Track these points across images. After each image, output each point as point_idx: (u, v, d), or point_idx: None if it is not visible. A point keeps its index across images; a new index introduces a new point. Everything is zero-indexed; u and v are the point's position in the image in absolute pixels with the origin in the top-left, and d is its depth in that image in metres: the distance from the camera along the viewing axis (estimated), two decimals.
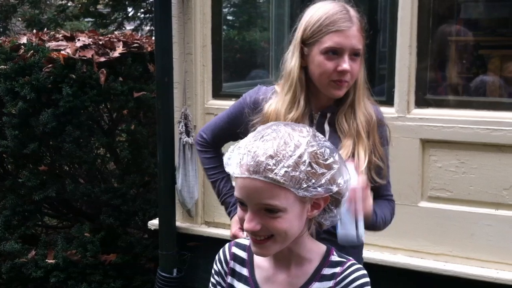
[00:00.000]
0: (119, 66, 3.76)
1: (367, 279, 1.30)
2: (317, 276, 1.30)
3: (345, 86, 1.69)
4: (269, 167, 1.17)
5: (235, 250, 1.39)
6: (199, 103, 3.38)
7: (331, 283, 1.28)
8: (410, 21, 2.81)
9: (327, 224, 1.33)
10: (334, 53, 1.65)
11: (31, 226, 3.90)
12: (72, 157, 3.71)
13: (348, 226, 1.56)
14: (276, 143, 1.19)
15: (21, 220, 3.88)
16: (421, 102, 2.88)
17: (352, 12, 1.69)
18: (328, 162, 1.22)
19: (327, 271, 1.30)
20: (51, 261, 3.63)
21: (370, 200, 1.64)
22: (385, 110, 2.90)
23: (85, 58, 3.58)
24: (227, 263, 1.39)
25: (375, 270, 2.87)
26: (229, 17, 4.68)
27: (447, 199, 2.83)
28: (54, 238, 3.95)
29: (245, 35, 4.56)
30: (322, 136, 1.28)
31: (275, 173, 1.17)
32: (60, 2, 8.47)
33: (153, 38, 3.68)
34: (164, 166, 3.38)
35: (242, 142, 1.25)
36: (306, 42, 1.70)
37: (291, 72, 1.74)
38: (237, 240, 1.42)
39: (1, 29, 8.85)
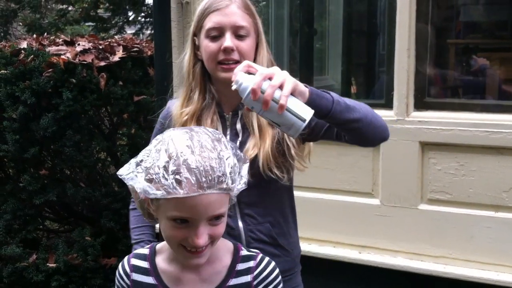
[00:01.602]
0: (119, 70, 3.77)
1: (278, 269, 1.36)
2: (232, 272, 1.31)
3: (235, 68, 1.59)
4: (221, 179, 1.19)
5: (135, 261, 1.36)
6: None
7: (248, 277, 1.31)
8: (408, 25, 2.81)
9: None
10: (217, 33, 1.61)
11: (32, 230, 3.90)
12: (73, 161, 3.72)
13: (289, 122, 1.33)
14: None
15: (22, 224, 3.88)
16: (420, 105, 2.87)
17: None
18: None
19: (241, 266, 1.32)
20: (52, 265, 3.63)
21: (289, 80, 1.33)
22: (384, 113, 2.91)
23: (85, 62, 3.59)
24: (128, 275, 1.35)
25: (375, 272, 2.89)
26: None
27: (446, 202, 2.83)
28: (55, 242, 3.95)
29: None
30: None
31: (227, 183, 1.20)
32: (60, 7, 8.48)
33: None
34: None
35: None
36: (196, 33, 1.67)
37: (184, 66, 1.70)
38: (135, 252, 1.40)
39: (2, 34, 8.87)
